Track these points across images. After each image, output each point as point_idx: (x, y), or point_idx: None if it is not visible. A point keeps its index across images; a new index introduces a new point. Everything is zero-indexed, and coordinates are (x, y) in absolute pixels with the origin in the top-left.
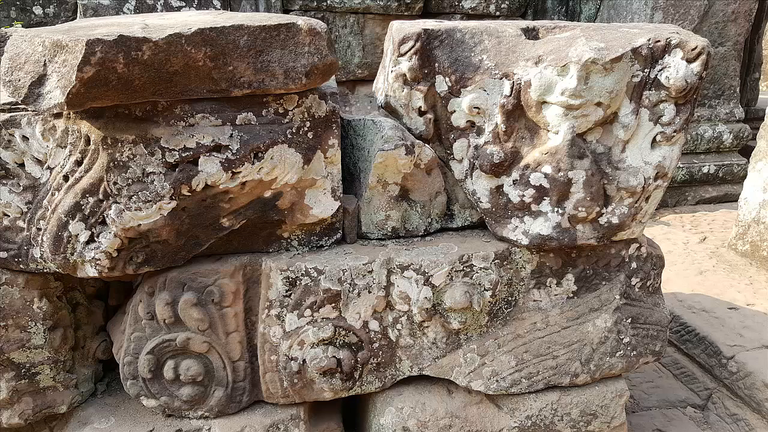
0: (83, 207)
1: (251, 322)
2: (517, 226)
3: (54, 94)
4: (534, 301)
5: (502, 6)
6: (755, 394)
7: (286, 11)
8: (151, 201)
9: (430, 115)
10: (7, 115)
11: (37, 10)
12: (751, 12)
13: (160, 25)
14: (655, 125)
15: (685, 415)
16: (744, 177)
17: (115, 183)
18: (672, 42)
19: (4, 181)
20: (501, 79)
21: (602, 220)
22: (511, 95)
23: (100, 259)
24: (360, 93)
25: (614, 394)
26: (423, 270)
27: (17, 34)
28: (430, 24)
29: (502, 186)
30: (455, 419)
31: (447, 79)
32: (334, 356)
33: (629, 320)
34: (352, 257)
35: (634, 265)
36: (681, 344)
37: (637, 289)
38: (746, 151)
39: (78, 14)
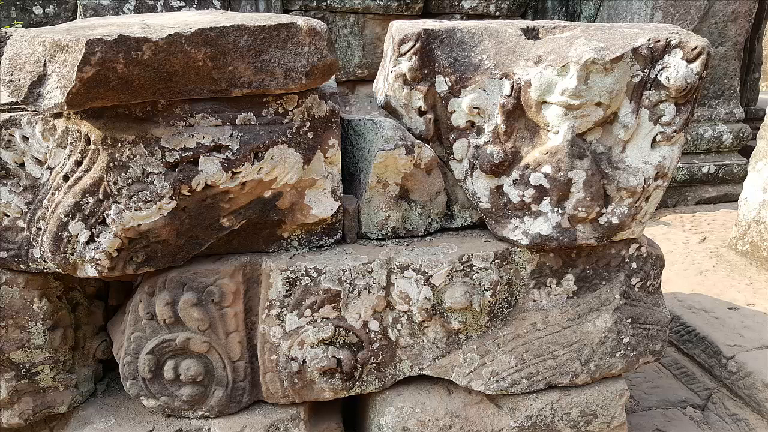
0: (83, 207)
1: (251, 322)
2: (517, 226)
3: (54, 94)
4: (534, 301)
5: (502, 6)
6: (755, 394)
7: (286, 11)
8: (151, 201)
9: (430, 115)
10: (7, 115)
11: (37, 10)
12: (751, 12)
13: (160, 25)
14: (655, 125)
15: (685, 415)
16: (744, 177)
17: (115, 183)
18: (672, 42)
19: (4, 181)
20: (501, 79)
21: (602, 220)
22: (511, 95)
23: (100, 259)
24: (360, 93)
25: (614, 394)
26: (423, 270)
27: (17, 34)
28: (430, 24)
29: (502, 186)
30: (455, 419)
31: (447, 79)
32: (334, 356)
33: (629, 320)
34: (352, 257)
35: (634, 265)
36: (681, 344)
37: (637, 289)
38: (746, 151)
39: (78, 14)
